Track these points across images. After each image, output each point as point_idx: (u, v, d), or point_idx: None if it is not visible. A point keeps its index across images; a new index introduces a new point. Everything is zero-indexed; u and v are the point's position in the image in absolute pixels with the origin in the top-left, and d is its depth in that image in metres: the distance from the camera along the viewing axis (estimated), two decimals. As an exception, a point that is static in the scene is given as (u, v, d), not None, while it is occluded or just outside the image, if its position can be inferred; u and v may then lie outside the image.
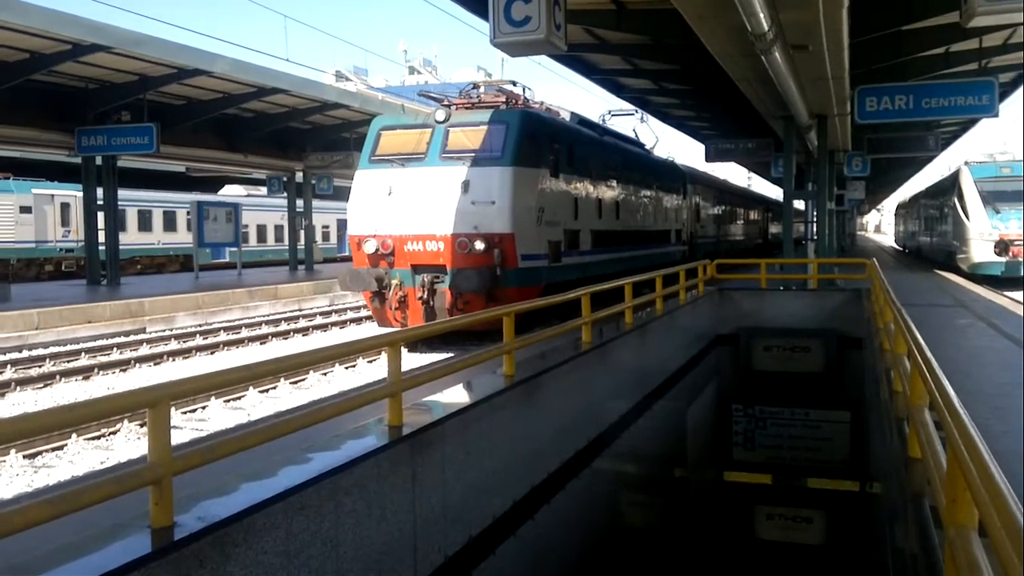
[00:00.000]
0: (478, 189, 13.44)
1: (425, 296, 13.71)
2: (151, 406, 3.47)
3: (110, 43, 18.66)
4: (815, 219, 23.10)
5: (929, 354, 4.48)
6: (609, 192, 18.48)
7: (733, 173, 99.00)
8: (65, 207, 34.15)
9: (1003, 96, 23.03)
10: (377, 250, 14.11)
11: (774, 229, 54.19)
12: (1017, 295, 20.88)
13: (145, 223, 38.09)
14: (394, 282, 13.97)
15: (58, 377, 12.77)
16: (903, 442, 5.59)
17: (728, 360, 17.80)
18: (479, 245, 13.26)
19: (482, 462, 6.39)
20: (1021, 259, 27.81)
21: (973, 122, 31.66)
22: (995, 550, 2.07)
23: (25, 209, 32.10)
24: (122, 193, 36.45)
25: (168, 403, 3.52)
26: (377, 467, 4.89)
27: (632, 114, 26.51)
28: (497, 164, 13.51)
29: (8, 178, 32.53)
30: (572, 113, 18.84)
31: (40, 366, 13.72)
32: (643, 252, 21.23)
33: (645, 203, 21.84)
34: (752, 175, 61.70)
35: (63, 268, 33.93)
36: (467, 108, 15.10)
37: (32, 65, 19.82)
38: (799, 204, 32.91)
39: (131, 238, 35.99)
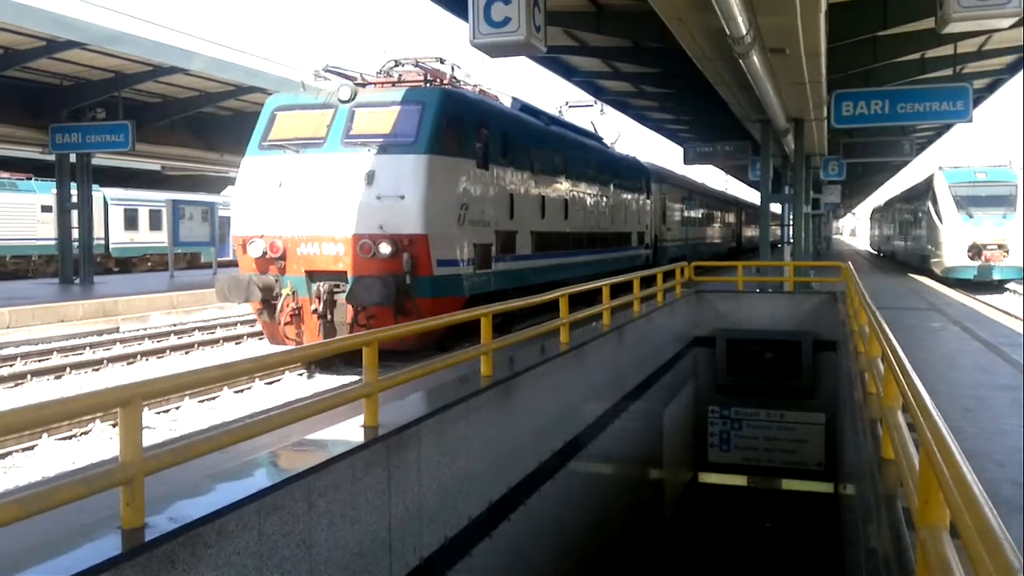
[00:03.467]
0: (385, 181, 11.36)
1: (321, 309, 11.70)
2: (123, 405, 3.43)
3: (85, 40, 18.49)
4: (791, 222, 23.28)
5: (903, 356, 4.51)
6: (556, 189, 16.37)
7: (711, 176, 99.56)
8: None
9: (977, 102, 23.33)
10: (265, 253, 11.93)
11: (749, 232, 53.80)
12: (989, 298, 21.13)
13: (156, 222, 38.48)
14: (284, 292, 11.89)
15: (29, 376, 12.61)
16: (877, 444, 5.63)
17: (705, 362, 17.88)
18: (385, 248, 11.22)
19: (458, 463, 6.37)
20: (993, 263, 28.16)
21: (948, 127, 32.05)
22: (966, 550, 2.09)
23: (46, 208, 32.32)
24: (134, 193, 38.07)
25: (140, 402, 3.48)
26: (352, 468, 4.86)
27: (590, 105, 24.68)
28: (409, 151, 11.42)
29: (30, 178, 33.14)
30: (514, 99, 16.58)
31: (11, 365, 13.55)
32: (598, 257, 19.20)
33: (601, 202, 19.69)
34: (729, 178, 61.99)
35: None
36: (379, 87, 12.89)
37: (6, 61, 19.61)
38: (775, 208, 33.14)
39: (143, 236, 37.95)
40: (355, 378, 9.75)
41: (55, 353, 14.65)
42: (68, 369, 13.20)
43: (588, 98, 24.83)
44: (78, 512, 3.46)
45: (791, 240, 23.38)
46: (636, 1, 15.07)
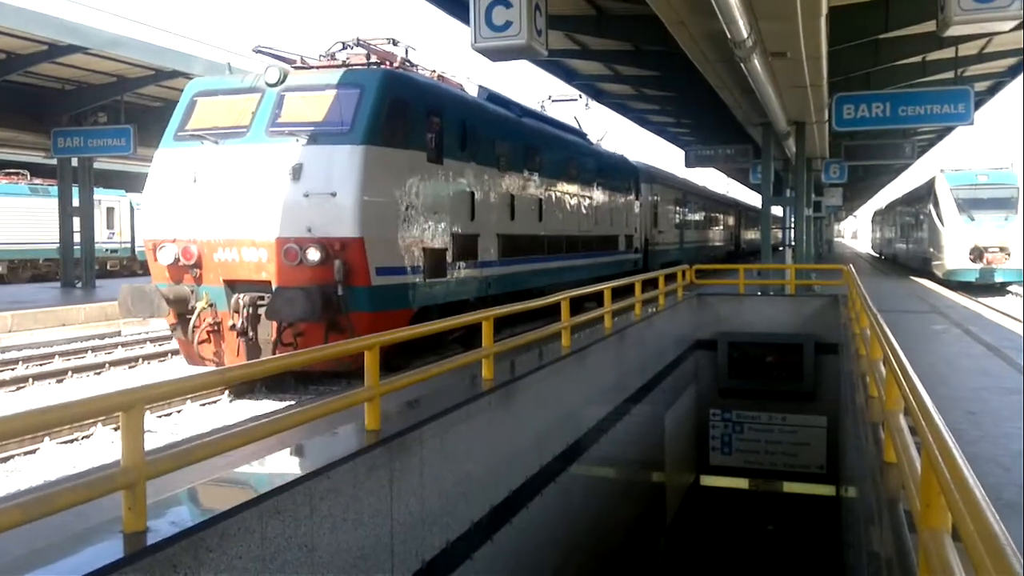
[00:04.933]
0: (314, 176, 9.89)
1: (241, 324, 10.14)
2: (125, 409, 3.43)
3: (87, 44, 18.52)
4: (792, 225, 23.27)
5: (904, 360, 4.51)
6: (529, 187, 14.74)
7: (712, 179, 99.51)
8: (110, 211, 37.61)
9: (978, 105, 23.32)
10: (177, 260, 10.45)
11: (748, 235, 52.69)
12: (991, 301, 21.12)
13: None
14: (200, 304, 10.38)
15: (31, 380, 12.62)
16: (878, 447, 5.62)
17: (706, 365, 17.88)
18: (313, 254, 9.72)
19: (460, 467, 6.37)
20: (995, 266, 28.15)
21: (949, 130, 32.03)
22: (968, 553, 2.09)
23: (73, 212, 33.62)
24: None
25: (142, 406, 3.49)
26: (354, 472, 4.86)
27: (575, 99, 23.54)
28: (342, 142, 9.92)
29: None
30: (481, 87, 15.06)
31: (12, 369, 13.56)
32: (579, 262, 17.58)
33: (583, 203, 18.00)
34: (731, 181, 61.98)
35: (108, 267, 37.29)
36: (316, 70, 11.22)
37: (8, 66, 19.64)
38: (777, 210, 33.10)
39: None
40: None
41: (56, 357, 14.66)
42: (70, 373, 13.20)
43: (573, 92, 23.76)
44: (80, 516, 3.46)
45: (792, 243, 23.35)
46: (637, 5, 15.07)
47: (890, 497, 4.71)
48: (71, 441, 9.47)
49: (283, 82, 10.59)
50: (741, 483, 18.08)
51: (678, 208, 30.01)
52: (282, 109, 10.44)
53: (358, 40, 11.82)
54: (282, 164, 9.99)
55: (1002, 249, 28.20)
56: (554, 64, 21.89)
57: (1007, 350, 11.14)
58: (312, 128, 10.12)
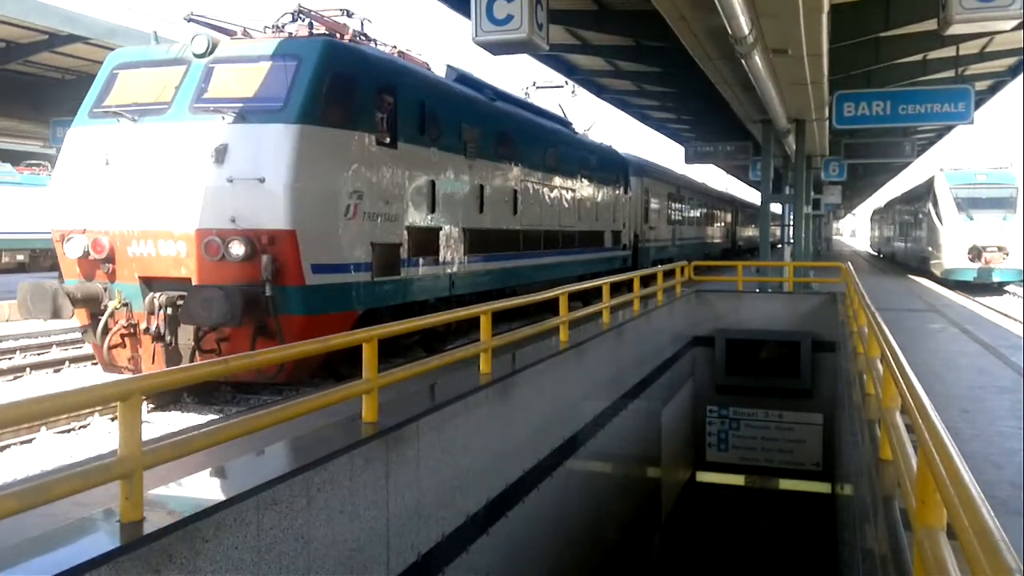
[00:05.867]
0: (240, 158, 8.70)
1: (156, 328, 8.96)
2: (122, 399, 3.43)
3: (87, 33, 18.47)
4: (791, 223, 23.27)
5: (902, 358, 4.51)
6: (502, 178, 13.50)
7: (712, 176, 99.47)
8: None
9: (979, 104, 23.33)
10: (87, 253, 9.29)
11: (746, 232, 52.27)
12: (989, 300, 21.15)
13: None
14: (112, 304, 9.21)
15: (28, 370, 12.62)
16: (875, 444, 5.63)
17: (704, 361, 17.90)
18: (237, 249, 8.57)
19: (457, 460, 6.38)
20: (993, 265, 28.18)
21: (949, 129, 32.05)
22: (963, 551, 2.09)
23: None
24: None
25: (139, 396, 3.49)
26: (351, 464, 4.86)
27: (560, 86, 22.33)
28: (274, 120, 8.73)
29: None
30: (449, 67, 13.73)
31: (10, 358, 13.56)
32: (560, 259, 16.44)
33: (564, 195, 16.77)
34: (730, 178, 61.98)
35: None
36: (251, 40, 10.07)
37: (7, 55, 19.59)
38: (775, 208, 33.07)
39: None
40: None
41: (54, 347, 14.66)
42: (67, 363, 13.20)
43: (559, 78, 22.75)
44: (76, 506, 3.47)
45: (791, 240, 23.36)
46: (638, 0, 15.06)
47: (886, 494, 4.72)
48: (68, 431, 9.47)
49: (212, 53, 9.42)
50: (737, 480, 18.12)
51: (671, 203, 28.97)
52: (209, 83, 9.27)
53: (299, 9, 10.46)
54: (205, 145, 8.82)
55: (1000, 249, 28.23)
56: (554, 59, 21.88)
57: (1003, 349, 11.16)
58: (241, 104, 8.93)
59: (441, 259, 11.29)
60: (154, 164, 9.02)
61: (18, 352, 13.94)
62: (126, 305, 9.23)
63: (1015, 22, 10.21)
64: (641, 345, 13.23)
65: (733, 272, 19.54)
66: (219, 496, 3.88)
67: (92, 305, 9.31)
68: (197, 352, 8.90)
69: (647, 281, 14.55)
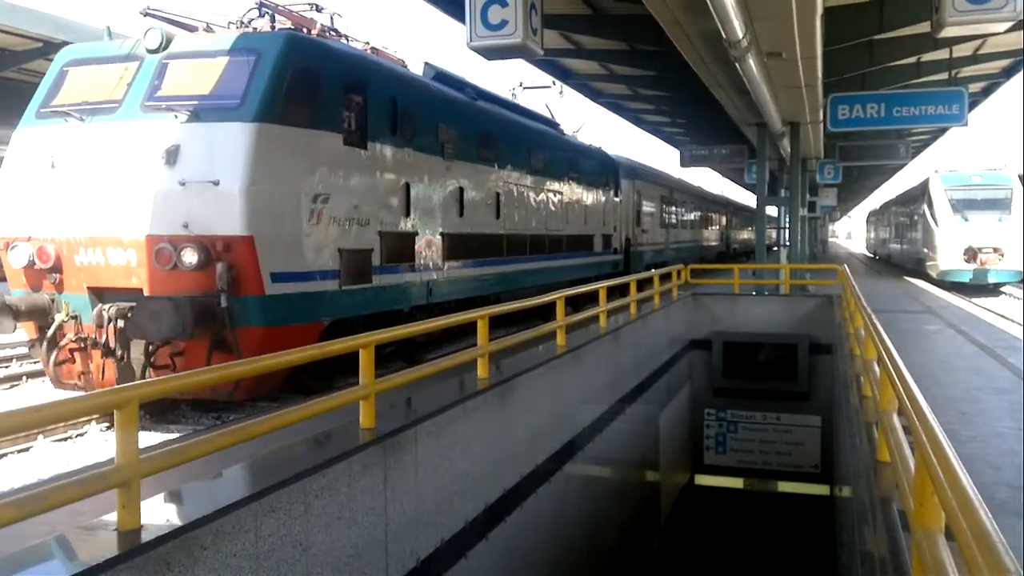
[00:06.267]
0: (192, 160, 8.15)
1: (108, 342, 8.30)
2: (119, 407, 3.43)
3: (80, 41, 18.46)
4: (787, 225, 23.30)
5: (898, 360, 4.52)
6: (483, 180, 13.00)
7: (707, 179, 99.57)
8: None
9: (972, 106, 23.39)
10: (32, 262, 8.71)
11: (742, 235, 52.21)
12: (985, 302, 21.18)
13: None
14: (59, 317, 8.63)
15: (24, 378, 12.57)
16: (872, 447, 5.64)
17: (701, 364, 17.91)
18: (190, 257, 8.04)
19: (455, 465, 6.37)
20: (989, 267, 28.23)
21: (943, 131, 32.12)
22: (961, 553, 2.10)
23: None
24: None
25: (136, 404, 3.48)
26: (348, 470, 4.86)
27: (547, 87, 21.83)
28: (230, 119, 8.18)
29: None
30: (427, 65, 12.95)
31: (7, 366, 13.52)
32: (547, 264, 15.86)
33: (551, 198, 16.21)
34: (726, 181, 62.06)
35: None
36: (209, 34, 9.47)
37: (2, 62, 19.58)
38: (771, 211, 33.12)
39: None
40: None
41: (15, 360, 14.60)
42: (24, 378, 13.10)
43: (546, 78, 22.25)
44: (74, 514, 3.46)
45: (787, 243, 23.38)
46: (632, 4, 15.08)
47: (884, 496, 4.72)
48: (65, 439, 9.45)
49: (166, 48, 8.85)
50: (736, 483, 18.12)
51: (664, 206, 28.59)
52: (163, 80, 8.71)
53: (262, 2, 9.92)
54: (156, 145, 8.27)
55: (995, 250, 28.28)
56: (549, 63, 21.89)
57: (1000, 350, 11.18)
58: (196, 102, 8.38)
59: (417, 266, 10.80)
60: (103, 166, 8.50)
61: (15, 360, 13.91)
62: (75, 318, 8.65)
63: (1008, 24, 10.24)
64: (638, 349, 13.24)
65: (729, 275, 19.56)
66: (217, 503, 3.87)
67: (39, 318, 8.71)
68: (150, 369, 8.25)
69: (643, 285, 14.54)
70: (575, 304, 14.36)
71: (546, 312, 13.38)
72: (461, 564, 6.44)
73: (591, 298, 11.90)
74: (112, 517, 3.50)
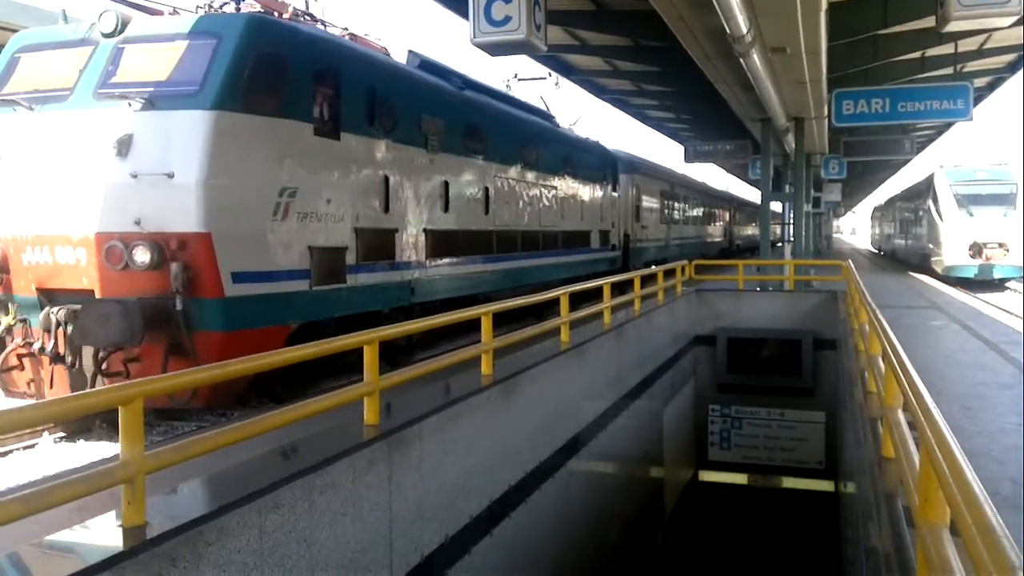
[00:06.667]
0: (146, 151, 7.57)
1: (53, 348, 7.71)
2: (123, 404, 3.43)
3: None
4: (792, 221, 23.26)
5: (903, 355, 4.51)
6: (470, 173, 12.40)
7: (712, 175, 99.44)
8: None
9: (977, 100, 23.34)
10: None
11: (746, 231, 51.90)
12: (990, 297, 21.14)
13: None
14: (7, 320, 8.13)
15: None
16: (877, 442, 5.63)
17: (705, 360, 17.89)
18: (142, 255, 7.49)
19: (459, 461, 6.38)
20: (994, 262, 28.17)
21: (948, 126, 32.06)
22: (966, 548, 2.09)
23: None
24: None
25: (141, 401, 3.49)
26: (352, 466, 4.86)
27: (543, 78, 21.30)
28: (186, 106, 7.59)
29: None
30: (412, 53, 12.21)
31: (12, 364, 13.53)
32: (539, 262, 15.20)
33: (545, 193, 15.64)
34: (729, 176, 61.95)
35: None
36: (169, 16, 8.85)
37: None
38: (775, 206, 33.03)
39: None
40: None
41: None
42: None
43: (542, 70, 21.73)
44: (79, 511, 3.47)
45: (791, 239, 23.35)
46: (636, 0, 15.06)
47: (888, 492, 4.72)
48: (70, 435, 9.47)
49: (122, 32, 8.27)
50: (740, 478, 18.10)
51: (665, 201, 27.97)
52: (118, 65, 8.11)
53: None
54: (108, 135, 7.68)
55: (1001, 245, 28.22)
56: (553, 59, 21.88)
57: (1005, 345, 11.16)
58: (152, 89, 7.75)
59: (398, 264, 10.24)
60: (52, 159, 7.94)
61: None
62: (23, 321, 8.07)
63: (1013, 19, 10.21)
64: (642, 345, 13.23)
65: (734, 271, 19.53)
66: (222, 500, 3.88)
67: None
68: (99, 375, 7.65)
69: (645, 281, 14.52)
70: (576, 301, 14.35)
71: (541, 311, 13.37)
72: (465, 560, 6.44)
73: (592, 295, 11.88)
74: (118, 513, 3.51)
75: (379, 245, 9.86)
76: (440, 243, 11.31)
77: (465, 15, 9.05)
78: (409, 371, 6.09)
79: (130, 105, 7.75)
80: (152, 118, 7.64)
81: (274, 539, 4.15)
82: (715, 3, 9.65)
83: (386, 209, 9.98)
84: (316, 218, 8.69)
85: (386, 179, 9.99)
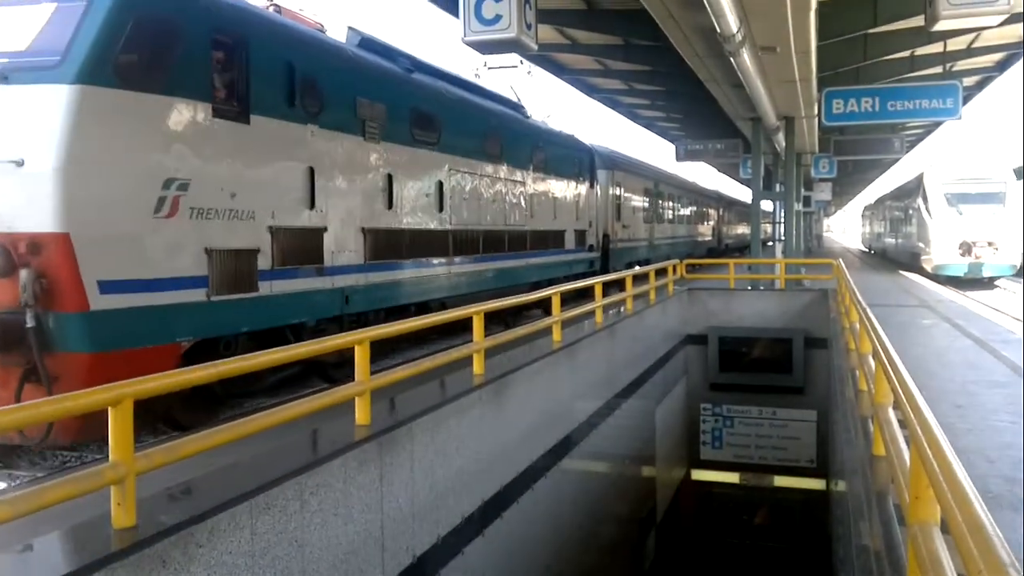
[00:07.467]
0: None
1: None
2: (113, 404, 3.41)
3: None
4: (783, 220, 23.31)
5: (894, 353, 4.53)
6: (420, 166, 11.05)
7: (702, 174, 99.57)
8: None
9: (966, 99, 23.44)
10: None
11: (736, 230, 51.55)
12: (979, 295, 21.23)
13: None
14: None
15: None
16: (868, 440, 5.65)
17: (697, 359, 17.94)
18: None
19: (451, 461, 6.37)
20: (983, 260, 28.28)
21: (937, 125, 32.18)
22: (957, 546, 2.10)
23: None
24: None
25: (131, 402, 3.47)
26: (344, 467, 4.85)
27: (514, 67, 20.03)
28: (43, 79, 6.29)
29: None
30: (352, 30, 11.03)
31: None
32: (504, 264, 13.83)
33: (511, 189, 14.27)
34: (720, 175, 62.06)
35: None
36: None
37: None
38: (766, 205, 33.11)
39: None
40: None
41: None
42: None
43: (513, 58, 20.08)
44: (69, 512, 3.44)
45: (782, 238, 23.40)
46: (627, -1, 15.08)
47: (879, 490, 4.73)
48: (60, 437, 9.41)
49: None
50: (732, 477, 18.16)
51: (648, 199, 26.42)
52: None
53: None
54: None
55: (990, 243, 28.32)
56: (544, 58, 21.88)
57: (995, 344, 11.20)
58: (6, 60, 6.44)
59: (327, 269, 8.92)
60: None
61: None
62: None
63: (1001, 18, 10.24)
64: (634, 344, 13.24)
65: (725, 270, 19.58)
66: (212, 501, 3.87)
67: None
68: None
69: (632, 283, 14.52)
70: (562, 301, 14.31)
71: (518, 314, 13.14)
72: (457, 560, 6.44)
73: (576, 297, 11.87)
74: (107, 515, 3.49)
75: (302, 247, 8.52)
76: (382, 244, 10.02)
77: (456, 14, 9.04)
78: (400, 371, 6.08)
79: None
80: (2, 94, 6.32)
81: (265, 540, 4.14)
82: (705, 2, 9.65)
83: (311, 205, 8.67)
84: (216, 215, 7.36)
85: (311, 170, 8.68)
